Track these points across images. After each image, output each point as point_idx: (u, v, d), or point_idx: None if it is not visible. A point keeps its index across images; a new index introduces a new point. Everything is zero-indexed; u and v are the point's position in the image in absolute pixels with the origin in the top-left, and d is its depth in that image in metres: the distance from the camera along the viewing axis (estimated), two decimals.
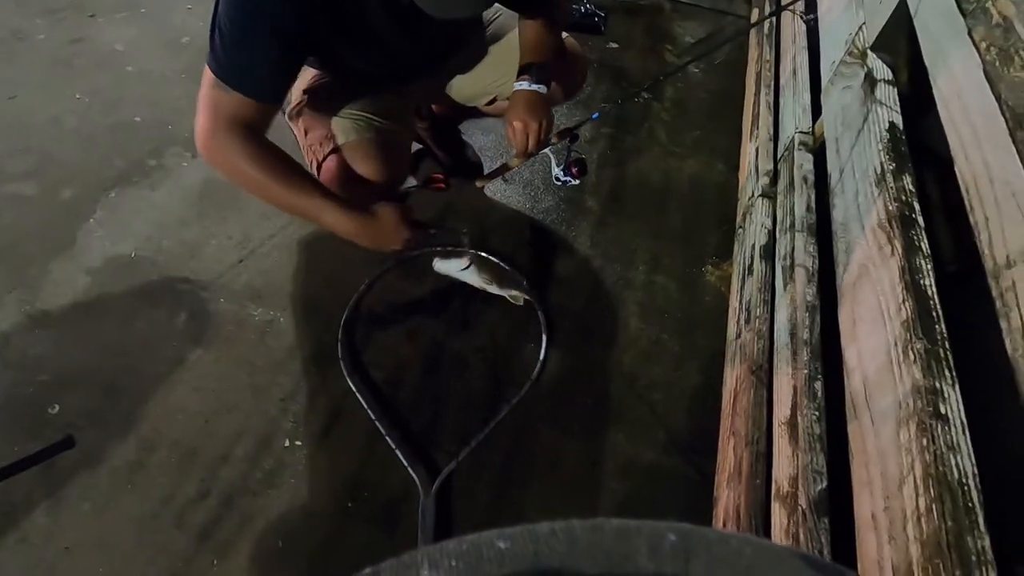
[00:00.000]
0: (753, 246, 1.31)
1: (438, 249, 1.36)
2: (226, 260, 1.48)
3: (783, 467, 0.89)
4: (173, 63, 1.92)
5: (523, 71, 1.18)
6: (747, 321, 1.19)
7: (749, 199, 1.47)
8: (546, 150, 1.43)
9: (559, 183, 1.46)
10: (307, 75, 1.23)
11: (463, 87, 1.36)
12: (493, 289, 1.36)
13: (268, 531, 1.10)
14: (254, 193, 1.01)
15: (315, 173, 1.22)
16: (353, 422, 1.23)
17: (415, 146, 1.67)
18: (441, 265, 1.31)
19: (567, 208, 1.68)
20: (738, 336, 1.21)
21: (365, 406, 1.23)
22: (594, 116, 1.41)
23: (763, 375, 1.08)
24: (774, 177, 1.42)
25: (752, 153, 1.59)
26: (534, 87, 1.17)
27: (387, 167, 1.21)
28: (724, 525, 1.04)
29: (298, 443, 1.20)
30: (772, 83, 1.74)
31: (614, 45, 2.24)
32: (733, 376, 1.16)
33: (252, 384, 1.28)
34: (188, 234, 1.52)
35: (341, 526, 1.12)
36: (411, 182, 1.66)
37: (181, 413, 1.23)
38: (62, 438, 1.18)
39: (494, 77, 1.31)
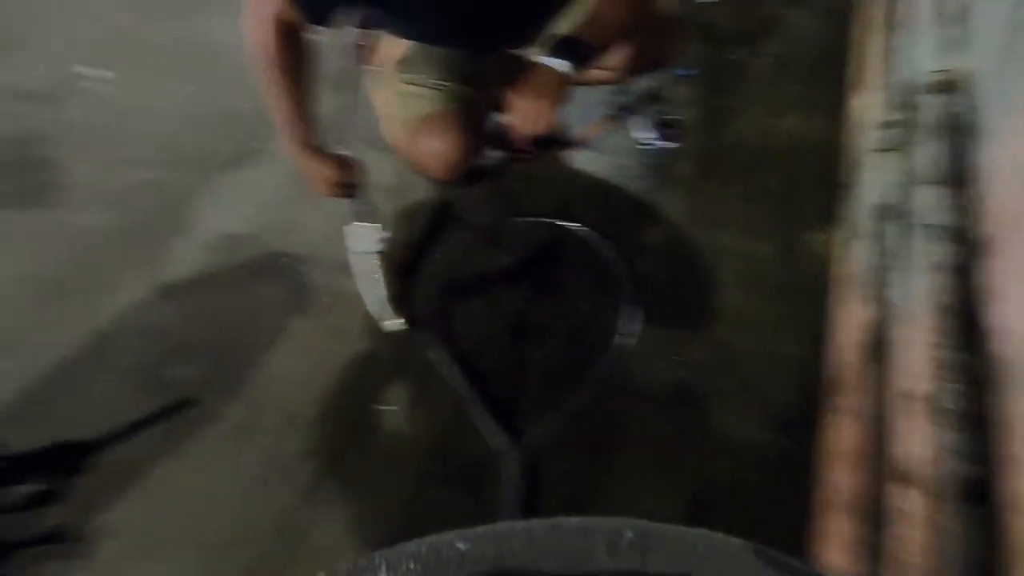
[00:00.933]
0: (868, 205, 1.17)
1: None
2: (321, 235, 1.55)
3: (908, 445, 0.79)
4: None
5: (550, 46, 1.06)
6: (861, 287, 1.07)
7: (863, 155, 1.32)
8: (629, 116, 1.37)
9: (645, 147, 1.39)
10: (385, 42, 1.25)
11: None
12: (376, 291, 1.27)
13: (364, 490, 1.15)
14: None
15: (393, 146, 1.24)
16: (440, 389, 1.26)
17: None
18: (354, 231, 1.25)
19: (656, 173, 1.59)
20: (849, 304, 1.10)
21: (451, 375, 1.24)
22: (679, 72, 1.32)
23: (880, 346, 0.97)
24: (894, 128, 1.26)
25: (867, 103, 1.42)
26: (550, 61, 1.02)
27: (461, 140, 1.19)
28: (830, 508, 0.95)
29: (390, 408, 1.25)
30: (892, 21, 1.54)
31: None
32: (843, 347, 1.05)
33: (346, 352, 1.33)
34: (287, 211, 1.61)
35: (430, 487, 1.15)
36: (496, 154, 1.65)
37: (283, 380, 1.31)
38: (182, 399, 1.29)
39: None
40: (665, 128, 1.33)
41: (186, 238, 1.58)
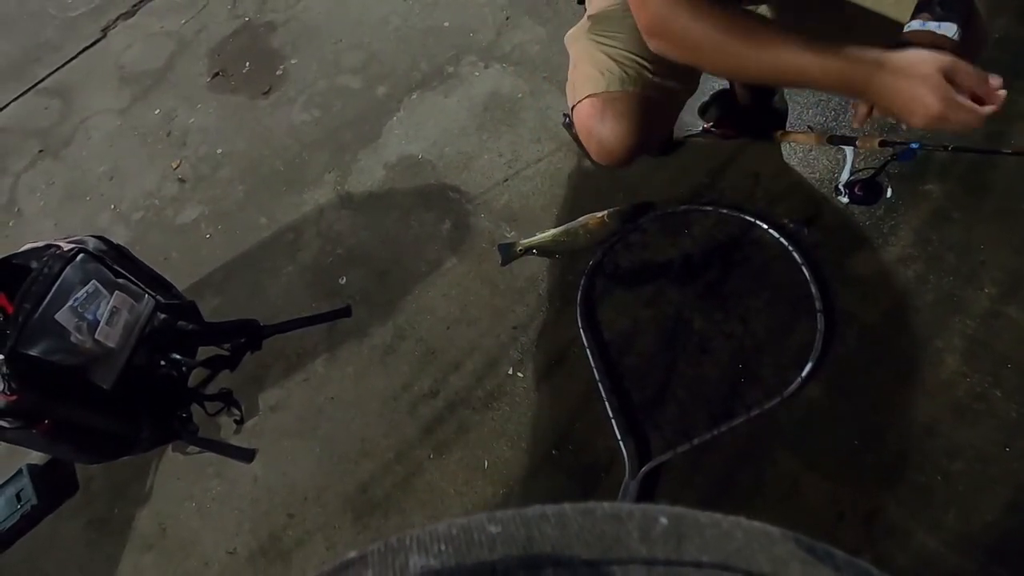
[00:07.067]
0: None
1: None
2: (493, 176, 1.52)
3: None
4: None
5: (922, 6, 0.81)
6: None
7: None
8: (849, 149, 1.10)
9: (839, 195, 1.15)
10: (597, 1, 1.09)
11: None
12: None
13: (478, 447, 1.17)
14: (709, 61, 0.83)
15: (570, 116, 1.11)
16: (575, 371, 1.20)
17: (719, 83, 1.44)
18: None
19: (892, 185, 1.29)
20: None
21: (591, 361, 1.17)
22: (913, 146, 1.02)
23: None
24: None
25: None
26: (938, 27, 0.78)
27: (637, 133, 1.02)
28: None
29: (520, 375, 1.23)
30: None
31: None
32: None
33: (492, 304, 1.32)
34: (466, 144, 1.59)
35: (541, 469, 1.13)
36: (698, 124, 1.45)
37: (430, 314, 1.34)
38: (343, 306, 1.40)
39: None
40: (861, 187, 1.08)
41: (373, 152, 1.65)
